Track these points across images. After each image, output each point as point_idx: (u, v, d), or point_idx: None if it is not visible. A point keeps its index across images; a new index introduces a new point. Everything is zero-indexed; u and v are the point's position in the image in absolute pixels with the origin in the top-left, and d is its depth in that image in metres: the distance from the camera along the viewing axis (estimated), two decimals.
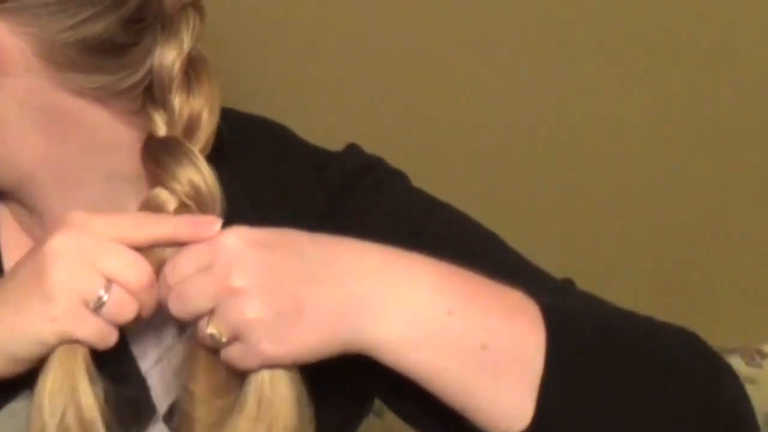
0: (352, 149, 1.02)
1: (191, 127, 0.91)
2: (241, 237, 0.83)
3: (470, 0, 1.57)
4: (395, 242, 0.90)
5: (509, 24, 1.57)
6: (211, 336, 0.83)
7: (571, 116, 1.61)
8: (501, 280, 0.87)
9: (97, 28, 0.87)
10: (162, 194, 0.89)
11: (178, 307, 0.84)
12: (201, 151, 0.90)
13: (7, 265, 0.98)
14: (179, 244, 0.85)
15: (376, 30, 1.56)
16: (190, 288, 0.83)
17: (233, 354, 0.84)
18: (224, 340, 0.83)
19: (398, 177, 1.01)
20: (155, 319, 0.89)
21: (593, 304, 0.92)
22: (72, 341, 0.84)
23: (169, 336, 0.94)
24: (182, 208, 0.88)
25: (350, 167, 0.99)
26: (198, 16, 0.91)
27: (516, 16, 1.57)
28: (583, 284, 1.65)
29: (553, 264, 1.65)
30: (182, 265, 0.84)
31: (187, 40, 0.91)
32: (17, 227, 0.99)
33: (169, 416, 0.93)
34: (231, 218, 0.93)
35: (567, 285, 0.97)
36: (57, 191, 0.94)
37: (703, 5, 1.60)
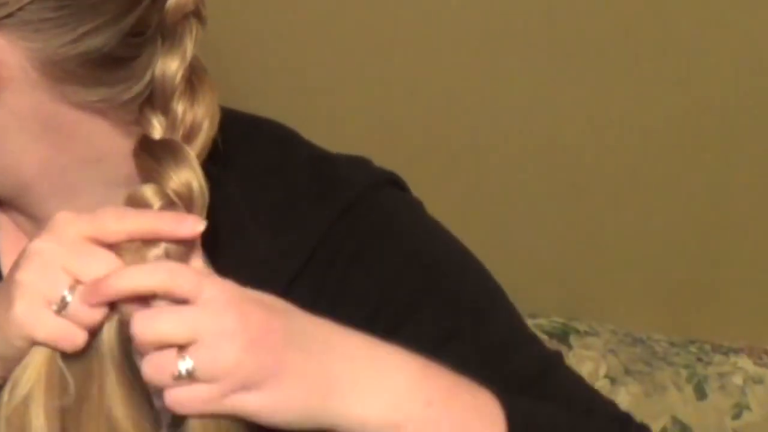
0: (365, 163, 1.01)
1: (192, 134, 0.90)
2: (237, 288, 0.83)
3: (472, 1, 1.57)
4: (393, 277, 0.95)
5: (510, 25, 1.57)
6: (177, 373, 0.81)
7: (574, 118, 1.61)
8: (490, 356, 0.92)
9: (97, 41, 0.87)
10: (149, 189, 0.88)
11: (144, 326, 0.82)
12: (196, 153, 0.89)
13: (6, 270, 0.99)
14: (163, 240, 0.85)
15: (377, 31, 1.56)
16: (173, 311, 0.82)
17: (191, 394, 0.81)
18: (181, 375, 0.81)
19: (413, 206, 1.01)
20: None
21: (573, 398, 0.95)
22: (36, 343, 0.84)
23: None
24: (169, 206, 0.88)
25: (362, 183, 0.98)
26: (199, 25, 0.91)
27: (517, 16, 1.57)
28: (588, 287, 1.67)
29: (557, 266, 1.66)
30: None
31: (189, 49, 0.90)
32: (17, 232, 1.00)
33: None
34: (232, 230, 0.94)
35: (552, 364, 0.98)
36: (56, 200, 0.94)
37: (707, 5, 1.59)
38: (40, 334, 0.83)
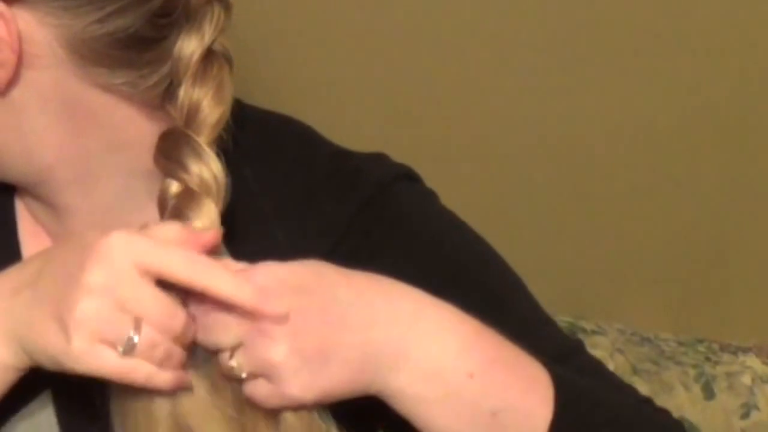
0: (382, 158, 1.01)
1: (191, 117, 0.89)
2: (273, 276, 0.83)
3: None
4: (417, 267, 0.94)
5: (515, 23, 1.57)
6: (232, 369, 0.84)
7: (583, 118, 1.61)
8: (517, 338, 0.90)
9: (124, 22, 0.86)
10: (168, 185, 0.88)
11: (201, 336, 0.85)
12: (204, 140, 0.89)
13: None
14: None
15: (381, 30, 1.55)
16: (216, 321, 0.84)
17: (257, 390, 0.84)
18: (244, 375, 0.84)
19: (429, 197, 1.02)
20: None
21: (601, 378, 0.95)
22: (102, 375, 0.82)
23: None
24: (187, 193, 0.87)
25: (381, 178, 0.98)
26: (223, 10, 0.91)
27: (522, 15, 1.57)
28: (595, 285, 1.66)
29: (565, 264, 1.66)
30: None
31: (208, 33, 0.90)
32: (34, 223, 0.98)
33: None
34: (252, 220, 0.94)
35: (576, 348, 0.98)
36: (76, 187, 0.93)
37: (716, 3, 1.60)
38: (105, 371, 0.81)
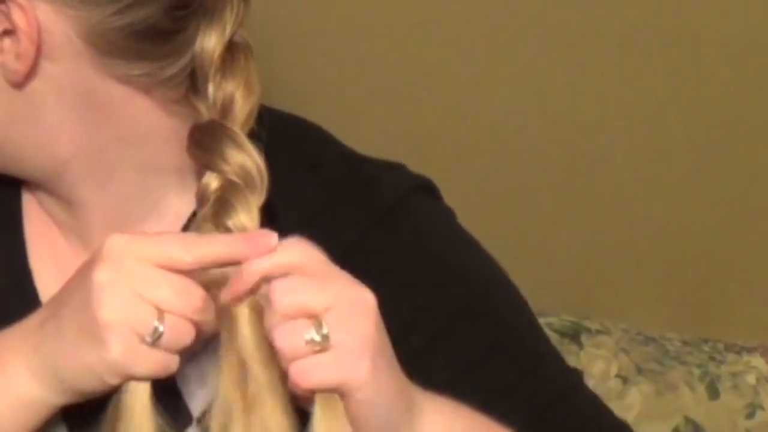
0: (400, 168, 1.00)
1: (226, 110, 0.89)
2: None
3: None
4: (430, 291, 0.95)
5: (518, 20, 1.57)
6: (312, 336, 0.81)
7: (587, 118, 1.61)
8: (522, 369, 0.93)
9: (143, 13, 0.86)
10: (208, 178, 0.87)
11: (284, 295, 0.82)
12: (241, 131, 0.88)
13: (33, 260, 0.97)
14: (234, 264, 0.83)
15: (383, 29, 1.55)
16: (311, 280, 0.82)
17: (317, 362, 0.81)
18: (328, 343, 0.81)
19: (445, 215, 1.01)
20: (200, 358, 0.88)
21: (594, 418, 0.96)
22: (135, 379, 0.82)
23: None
24: (229, 186, 0.86)
25: (398, 189, 0.98)
26: (242, 1, 0.90)
27: (525, 12, 1.57)
28: (599, 285, 1.66)
29: (568, 264, 1.66)
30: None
31: (229, 26, 0.89)
32: (44, 219, 0.98)
33: None
34: (267, 223, 0.93)
35: (573, 386, 0.99)
36: (91, 182, 0.93)
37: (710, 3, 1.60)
38: (140, 370, 0.81)
